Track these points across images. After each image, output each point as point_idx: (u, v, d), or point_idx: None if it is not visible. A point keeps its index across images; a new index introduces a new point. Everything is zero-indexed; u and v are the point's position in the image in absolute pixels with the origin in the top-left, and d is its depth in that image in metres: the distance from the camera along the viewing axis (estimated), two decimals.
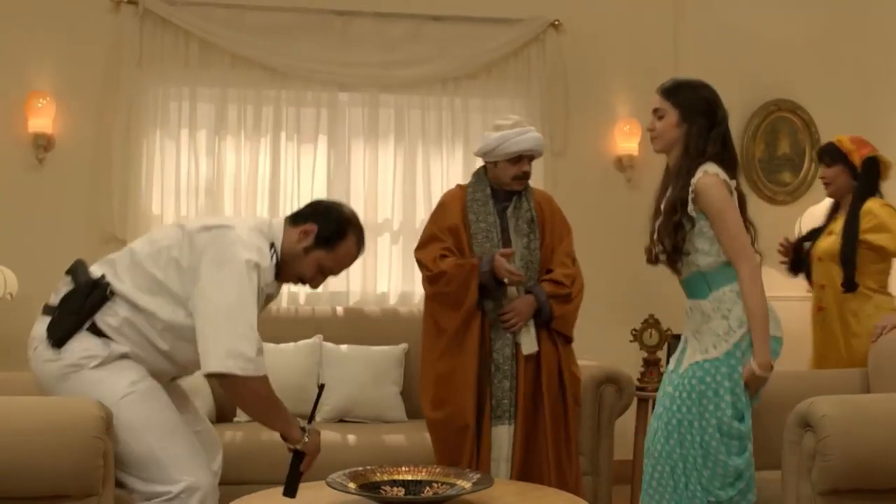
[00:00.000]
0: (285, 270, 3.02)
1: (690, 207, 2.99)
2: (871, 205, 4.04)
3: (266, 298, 3.01)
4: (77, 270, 2.92)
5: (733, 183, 3.06)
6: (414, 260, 5.51)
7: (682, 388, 2.97)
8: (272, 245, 2.94)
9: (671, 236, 3.03)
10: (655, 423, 3.06)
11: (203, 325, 2.75)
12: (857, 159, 4.12)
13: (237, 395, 2.83)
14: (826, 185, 4.22)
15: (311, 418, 2.94)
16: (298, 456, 2.88)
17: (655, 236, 3.13)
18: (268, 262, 2.87)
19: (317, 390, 3.03)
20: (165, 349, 2.86)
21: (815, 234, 4.27)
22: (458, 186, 4.14)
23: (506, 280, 3.79)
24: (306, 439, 2.88)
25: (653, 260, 3.21)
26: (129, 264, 2.91)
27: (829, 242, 4.09)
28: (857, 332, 3.98)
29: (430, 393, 3.87)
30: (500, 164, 3.92)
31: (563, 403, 3.89)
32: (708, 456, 2.89)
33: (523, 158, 3.91)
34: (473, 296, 3.81)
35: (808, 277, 4.27)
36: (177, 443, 2.88)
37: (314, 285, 3.09)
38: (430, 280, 3.90)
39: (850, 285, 3.99)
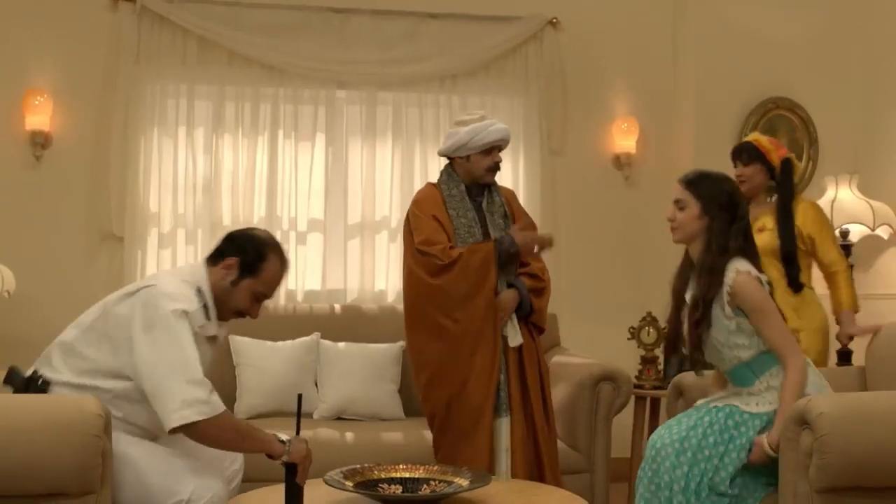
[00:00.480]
0: (222, 309, 3.04)
1: (728, 310, 3.05)
2: (806, 204, 4.19)
3: (210, 340, 3.02)
4: (12, 376, 2.90)
5: (763, 276, 3.12)
6: None
7: (714, 420, 3.05)
8: (199, 290, 2.95)
9: (692, 330, 3.11)
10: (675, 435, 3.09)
11: (151, 387, 2.77)
12: (775, 159, 4.16)
13: (207, 438, 2.84)
14: (741, 182, 4.16)
15: (297, 430, 2.92)
16: (290, 468, 2.85)
17: (683, 332, 3.19)
18: (195, 305, 2.89)
19: (303, 396, 3.03)
20: (121, 416, 2.85)
21: None
22: (430, 184, 4.14)
23: (536, 251, 3.88)
24: (289, 449, 2.87)
25: (673, 352, 3.30)
26: (62, 354, 2.90)
27: (766, 239, 4.06)
28: (798, 327, 3.99)
29: (443, 390, 3.84)
30: (472, 157, 3.97)
31: (542, 393, 3.95)
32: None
33: (494, 149, 3.98)
34: (493, 281, 3.83)
35: None
36: (173, 462, 2.88)
37: (253, 314, 3.09)
38: (443, 270, 3.85)
39: (796, 285, 4.06)
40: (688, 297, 3.22)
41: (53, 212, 5.27)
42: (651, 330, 5.09)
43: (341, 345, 4.83)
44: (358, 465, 3.15)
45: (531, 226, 4.06)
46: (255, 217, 5.39)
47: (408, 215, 4.02)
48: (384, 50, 5.61)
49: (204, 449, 3.01)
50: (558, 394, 4.33)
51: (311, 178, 5.51)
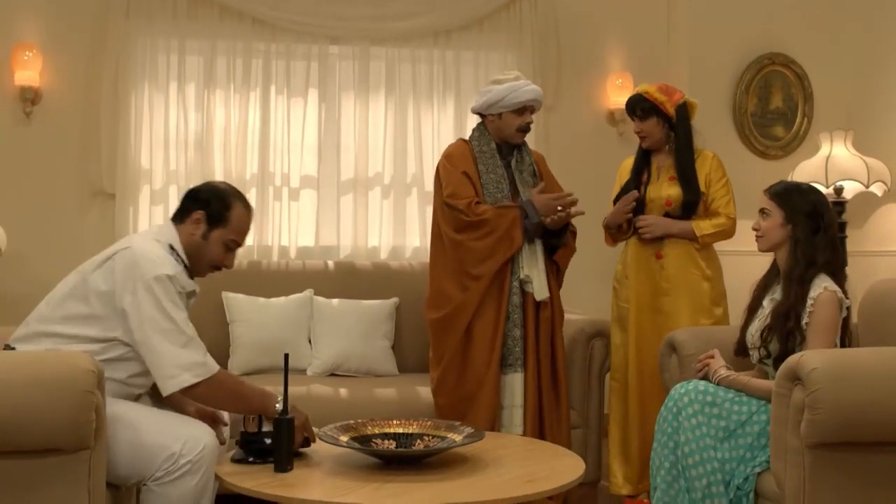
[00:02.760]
0: (197, 265, 3.06)
1: (805, 321, 3.10)
2: (708, 155, 4.12)
3: (189, 296, 3.04)
4: None
5: (848, 302, 3.16)
6: (405, 214, 5.54)
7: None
8: (171, 247, 2.97)
9: (781, 343, 3.13)
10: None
11: (146, 354, 2.81)
12: (670, 109, 4.05)
13: (208, 398, 2.90)
14: (642, 138, 4.14)
15: (284, 389, 2.93)
16: (280, 425, 2.85)
17: (759, 336, 3.22)
18: (178, 267, 2.92)
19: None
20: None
21: (634, 186, 4.16)
22: (461, 140, 4.18)
23: (557, 216, 3.85)
24: (278, 407, 2.90)
25: (741, 353, 3.36)
26: (40, 328, 2.90)
27: (678, 192, 4.06)
28: (710, 275, 4.06)
29: (443, 340, 3.91)
30: (504, 115, 3.99)
31: (554, 349, 3.98)
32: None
33: (527, 110, 3.99)
34: (516, 246, 3.86)
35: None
36: (165, 418, 2.91)
37: (228, 264, 3.11)
38: (467, 226, 3.88)
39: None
40: (766, 302, 3.29)
41: (44, 168, 5.23)
42: None
43: (335, 301, 4.83)
44: (352, 421, 3.17)
45: (551, 188, 4.05)
46: (247, 173, 5.37)
47: (438, 168, 4.07)
48: (377, 5, 5.55)
49: (192, 402, 3.07)
50: None
51: (304, 134, 5.48)
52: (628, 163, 4.28)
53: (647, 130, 4.11)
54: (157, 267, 2.84)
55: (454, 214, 3.90)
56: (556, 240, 3.98)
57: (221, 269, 3.13)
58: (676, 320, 3.97)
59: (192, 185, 5.23)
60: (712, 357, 3.28)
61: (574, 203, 3.91)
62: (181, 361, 2.78)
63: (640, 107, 4.10)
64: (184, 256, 3.01)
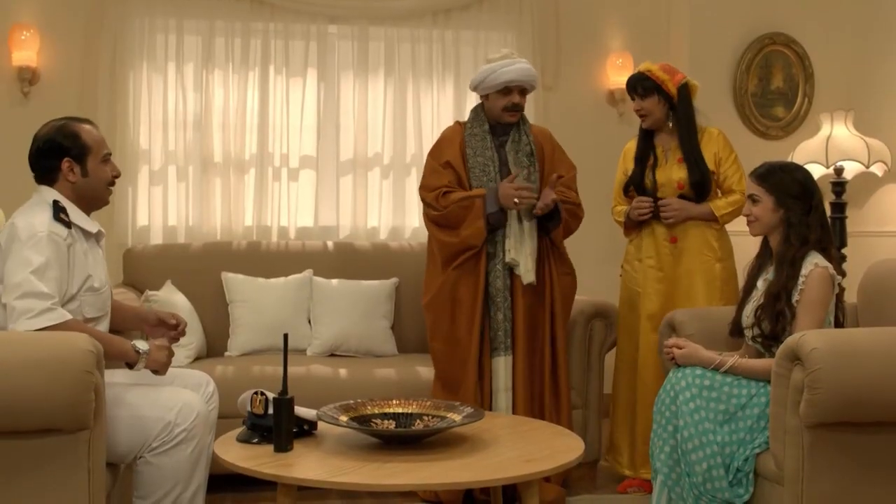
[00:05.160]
0: (94, 200, 3.11)
1: (795, 298, 3.11)
2: (714, 132, 4.12)
3: (94, 237, 3.10)
4: None
5: (839, 278, 3.17)
6: (405, 194, 5.54)
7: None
8: (55, 202, 2.96)
9: (771, 322, 3.14)
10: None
11: (9, 310, 2.80)
12: (671, 89, 4.03)
13: None
14: (643, 117, 4.11)
15: (283, 369, 2.93)
16: (279, 405, 2.85)
17: (753, 316, 3.22)
18: (45, 223, 2.89)
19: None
20: None
21: (639, 174, 4.13)
22: (458, 123, 4.17)
23: (516, 202, 3.81)
24: (143, 353, 2.93)
25: (736, 333, 3.35)
26: None
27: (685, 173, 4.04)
28: (721, 256, 4.06)
29: (433, 325, 3.97)
30: (490, 96, 3.99)
31: (552, 332, 3.98)
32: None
33: (513, 90, 3.95)
34: (480, 234, 3.86)
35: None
36: (159, 391, 2.97)
37: (117, 172, 3.16)
38: (436, 218, 3.95)
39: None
40: (760, 282, 3.29)
41: None
42: None
43: (334, 282, 4.83)
44: (351, 401, 3.17)
45: (559, 163, 4.04)
46: (246, 153, 5.35)
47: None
48: None
49: (182, 376, 3.17)
50: None
51: (303, 114, 5.46)
52: (631, 146, 4.25)
53: (647, 109, 4.08)
54: (27, 230, 2.85)
55: (426, 207, 3.98)
56: (549, 223, 3.97)
57: (115, 183, 3.16)
58: (693, 303, 3.97)
59: (191, 166, 5.26)
60: (680, 347, 3.25)
61: (529, 191, 3.85)
62: (27, 307, 2.75)
63: (641, 85, 4.07)
64: (73, 205, 3.01)
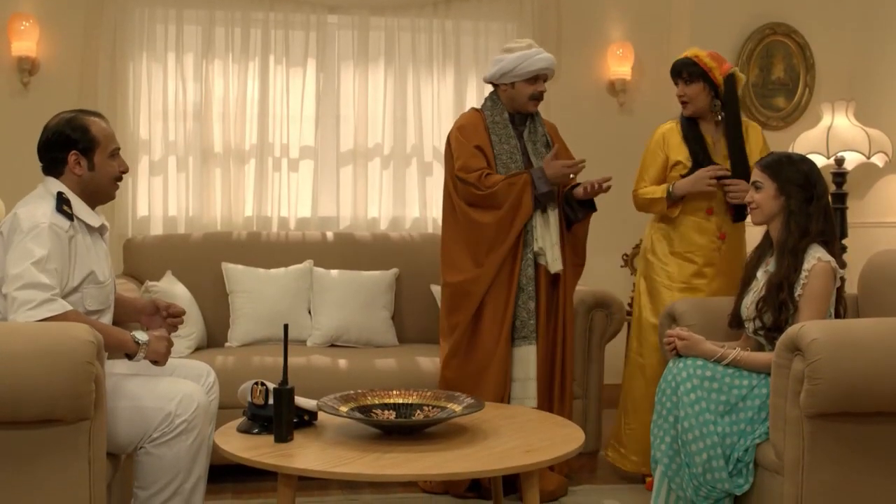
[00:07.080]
0: (100, 194, 3.07)
1: (798, 292, 3.10)
2: (755, 126, 4.09)
3: (97, 231, 3.07)
4: None
5: (841, 272, 3.18)
6: (405, 184, 5.53)
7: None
8: (59, 193, 2.94)
9: (774, 314, 3.14)
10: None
11: (9, 300, 2.79)
12: (718, 77, 3.97)
13: None
14: (684, 103, 4.03)
15: (284, 359, 2.93)
16: (280, 395, 2.85)
17: (754, 307, 3.22)
18: (48, 215, 2.86)
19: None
20: None
21: (703, 157, 4.01)
22: (473, 110, 4.16)
23: (572, 176, 3.87)
24: (142, 344, 2.91)
25: (736, 325, 3.35)
26: None
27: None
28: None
29: (463, 316, 3.91)
30: (517, 84, 3.98)
31: (563, 322, 3.99)
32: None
33: (539, 78, 3.98)
34: (530, 213, 3.85)
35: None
36: (159, 381, 2.96)
37: (124, 168, 3.12)
38: (479, 200, 3.88)
39: (740, 212, 3.95)
40: (759, 273, 3.30)
41: None
42: None
43: (334, 272, 4.83)
44: (352, 391, 3.17)
45: (564, 155, 4.03)
46: (246, 144, 5.35)
47: (449, 139, 4.05)
48: None
49: (182, 366, 3.16)
50: None
51: (303, 104, 5.45)
52: (670, 129, 4.13)
53: (690, 95, 4.00)
54: (29, 220, 2.83)
55: (466, 188, 3.90)
56: (576, 213, 3.97)
57: (122, 179, 3.14)
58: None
59: (191, 157, 5.25)
60: (682, 337, 3.25)
61: (582, 168, 3.87)
62: (26, 298, 2.74)
63: (687, 70, 3.99)
64: (78, 198, 2.99)
